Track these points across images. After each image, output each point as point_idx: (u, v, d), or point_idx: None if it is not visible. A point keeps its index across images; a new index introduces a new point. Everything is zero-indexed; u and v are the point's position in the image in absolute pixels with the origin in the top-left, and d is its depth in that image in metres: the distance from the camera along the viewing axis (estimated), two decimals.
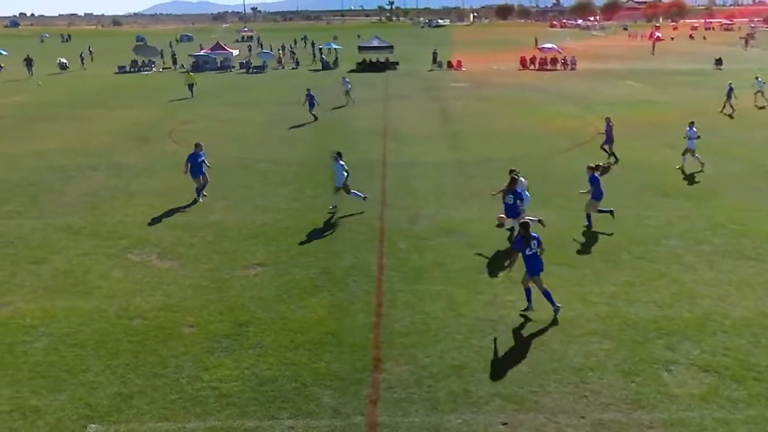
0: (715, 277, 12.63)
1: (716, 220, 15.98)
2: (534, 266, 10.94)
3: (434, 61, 61.33)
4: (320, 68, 61.48)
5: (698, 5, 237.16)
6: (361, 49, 63.59)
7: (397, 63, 61.45)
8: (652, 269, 13.06)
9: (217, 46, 66.17)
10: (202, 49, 69.43)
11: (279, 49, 72.45)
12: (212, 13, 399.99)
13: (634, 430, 8.19)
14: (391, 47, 63.02)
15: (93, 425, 8.39)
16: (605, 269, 13.10)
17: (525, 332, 10.60)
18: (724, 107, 32.04)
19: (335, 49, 68.72)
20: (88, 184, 20.00)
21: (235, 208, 17.48)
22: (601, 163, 16.68)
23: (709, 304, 11.49)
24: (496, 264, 13.39)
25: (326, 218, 16.47)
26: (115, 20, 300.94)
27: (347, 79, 37.64)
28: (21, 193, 19.10)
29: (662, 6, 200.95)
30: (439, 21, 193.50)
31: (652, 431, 8.18)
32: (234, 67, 62.56)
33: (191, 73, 43.90)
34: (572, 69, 57.71)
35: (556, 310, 10.96)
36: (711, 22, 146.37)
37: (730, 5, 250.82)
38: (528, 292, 11.16)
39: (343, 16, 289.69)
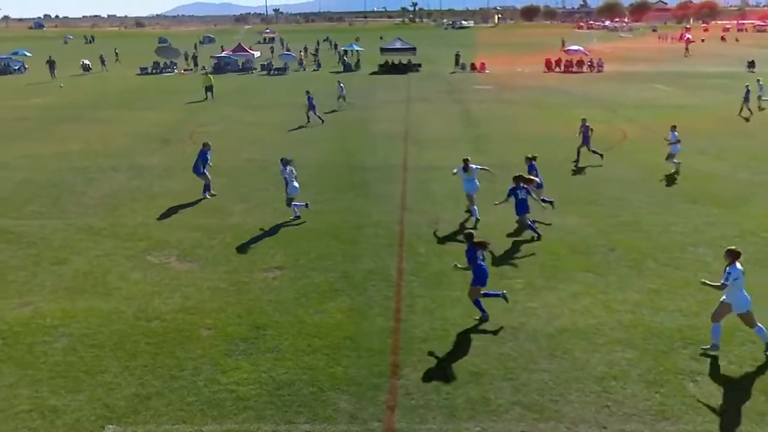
0: None
1: (745, 227, 15.59)
2: (483, 276, 10.96)
3: (457, 63, 60.97)
4: (341, 70, 61.51)
5: (730, 6, 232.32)
6: (383, 50, 63.27)
7: (419, 65, 61.04)
8: (679, 277, 12.76)
9: (239, 48, 66.17)
10: (223, 51, 69.44)
11: (301, 51, 72.64)
12: (234, 15, 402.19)
13: None
14: (414, 49, 62.61)
15: (111, 426, 8.42)
16: (630, 276, 12.84)
17: (546, 340, 10.40)
18: (741, 110, 31.52)
19: (357, 50, 68.68)
20: (109, 186, 20.19)
21: (254, 211, 17.50)
22: (530, 155, 17.03)
23: None
24: (517, 270, 13.22)
25: (346, 222, 16.41)
26: (138, 22, 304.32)
27: (342, 84, 37.59)
28: (44, 193, 19.33)
29: (693, 7, 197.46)
30: (463, 22, 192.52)
31: None
32: (255, 68, 62.70)
33: (210, 75, 43.95)
34: (599, 71, 56.79)
35: (484, 318, 10.98)
36: (744, 24, 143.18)
37: (764, 6, 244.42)
38: (477, 302, 11.07)
39: (365, 17, 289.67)
